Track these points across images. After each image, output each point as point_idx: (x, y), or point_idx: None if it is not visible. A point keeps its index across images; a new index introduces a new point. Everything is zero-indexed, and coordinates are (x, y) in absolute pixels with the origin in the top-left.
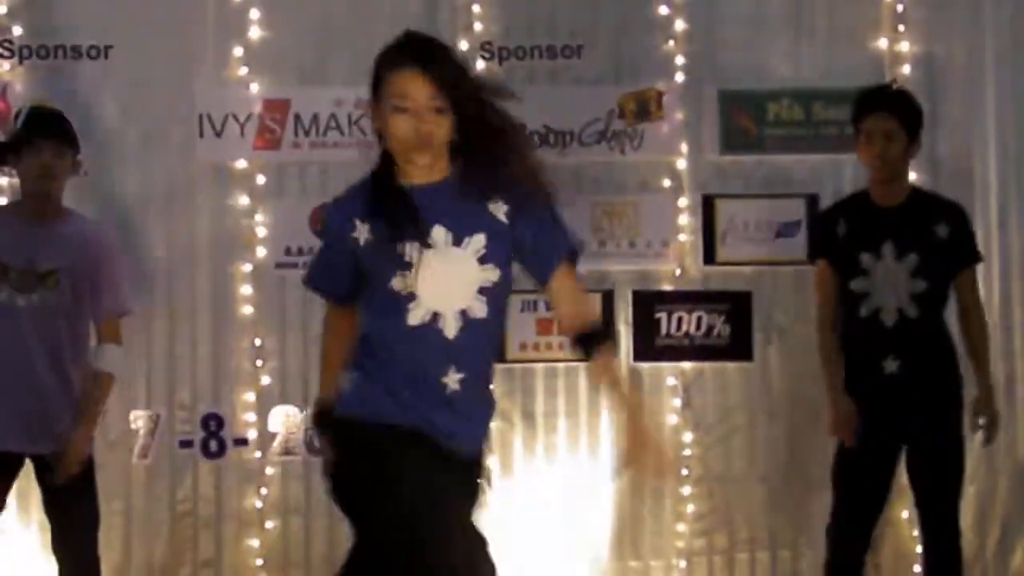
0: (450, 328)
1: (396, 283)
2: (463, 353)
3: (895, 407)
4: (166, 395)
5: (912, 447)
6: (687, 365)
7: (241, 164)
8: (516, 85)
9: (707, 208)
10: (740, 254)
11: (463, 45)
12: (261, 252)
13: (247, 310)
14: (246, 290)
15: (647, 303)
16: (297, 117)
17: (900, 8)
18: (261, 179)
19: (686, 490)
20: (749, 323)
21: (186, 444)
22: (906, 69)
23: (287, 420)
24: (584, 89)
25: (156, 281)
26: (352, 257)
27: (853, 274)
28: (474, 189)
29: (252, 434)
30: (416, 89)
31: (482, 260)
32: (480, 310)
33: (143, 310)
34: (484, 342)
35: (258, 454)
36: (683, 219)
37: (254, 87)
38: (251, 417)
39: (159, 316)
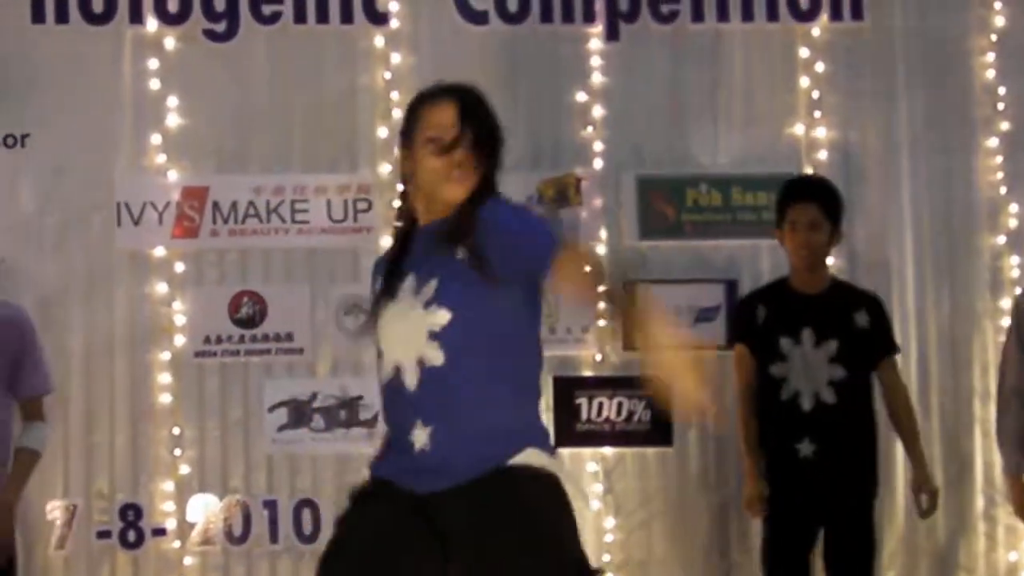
0: (410, 380)
1: (375, 340)
2: (425, 405)
3: (809, 491)
4: (83, 485)
5: (827, 531)
6: (608, 451)
7: (160, 252)
8: None
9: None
10: None
11: (382, 132)
12: (179, 340)
13: (165, 399)
14: (164, 379)
15: (568, 389)
16: (215, 205)
17: (816, 95)
18: (180, 267)
19: None
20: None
21: (104, 535)
22: (822, 155)
23: (206, 509)
24: (502, 175)
25: (74, 369)
26: None
27: (772, 359)
28: (445, 230)
29: (171, 524)
30: (452, 119)
31: (427, 304)
32: (436, 357)
33: (61, 398)
34: (449, 391)
35: (177, 544)
36: (602, 305)
37: (172, 175)
38: (169, 507)
39: (76, 404)
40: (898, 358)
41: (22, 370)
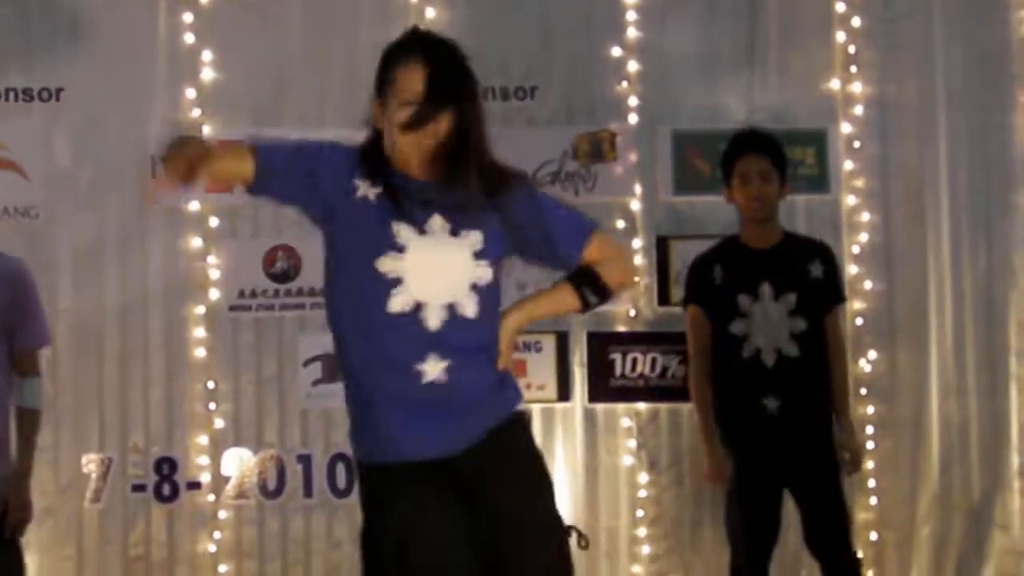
0: (433, 320)
1: (383, 264)
2: (447, 343)
3: (775, 446)
4: (119, 439)
5: (794, 488)
6: (642, 406)
7: (194, 206)
8: None
9: (661, 249)
10: None
11: None
12: (214, 294)
13: (200, 353)
14: (199, 333)
15: (602, 344)
16: None
17: (852, 49)
18: (214, 221)
19: (641, 531)
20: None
21: (139, 488)
22: (858, 110)
23: (240, 463)
24: (538, 130)
25: (109, 323)
26: (324, 195)
27: (732, 317)
28: (472, 192)
29: (205, 477)
30: (421, 84)
31: (477, 255)
32: (470, 309)
33: (95, 352)
34: (473, 342)
35: (211, 498)
36: (637, 260)
37: (207, 129)
38: (204, 460)
39: (111, 359)
40: (934, 308)
41: (23, 324)
